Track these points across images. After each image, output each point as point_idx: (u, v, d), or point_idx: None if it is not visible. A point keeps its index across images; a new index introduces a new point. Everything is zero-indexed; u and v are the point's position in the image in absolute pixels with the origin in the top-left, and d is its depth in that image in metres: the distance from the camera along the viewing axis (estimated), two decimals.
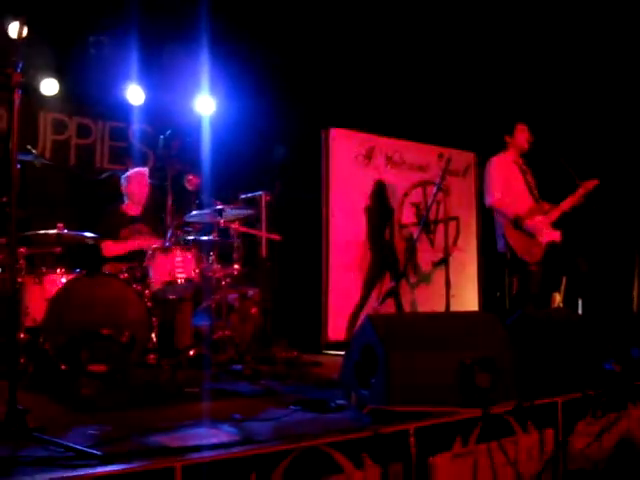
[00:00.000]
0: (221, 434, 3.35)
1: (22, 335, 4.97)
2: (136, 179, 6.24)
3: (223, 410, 3.89)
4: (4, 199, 3.51)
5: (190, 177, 6.45)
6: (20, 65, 3.27)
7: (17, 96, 3.29)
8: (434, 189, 6.69)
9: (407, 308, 7.48)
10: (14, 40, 3.34)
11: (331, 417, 3.75)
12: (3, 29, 3.44)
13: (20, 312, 5.01)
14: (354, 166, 7.47)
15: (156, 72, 6.89)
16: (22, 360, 4.82)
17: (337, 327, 7.10)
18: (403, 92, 7.63)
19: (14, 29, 3.34)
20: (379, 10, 6.92)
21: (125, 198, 6.25)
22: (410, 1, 6.92)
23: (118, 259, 5.85)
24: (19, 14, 3.43)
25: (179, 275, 5.49)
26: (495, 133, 6.18)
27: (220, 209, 5.75)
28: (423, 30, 7.23)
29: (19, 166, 3.36)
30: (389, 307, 7.24)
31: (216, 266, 5.88)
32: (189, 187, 6.35)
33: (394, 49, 7.33)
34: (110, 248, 5.89)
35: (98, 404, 4.08)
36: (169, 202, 6.03)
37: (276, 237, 6.62)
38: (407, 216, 7.78)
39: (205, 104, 7.33)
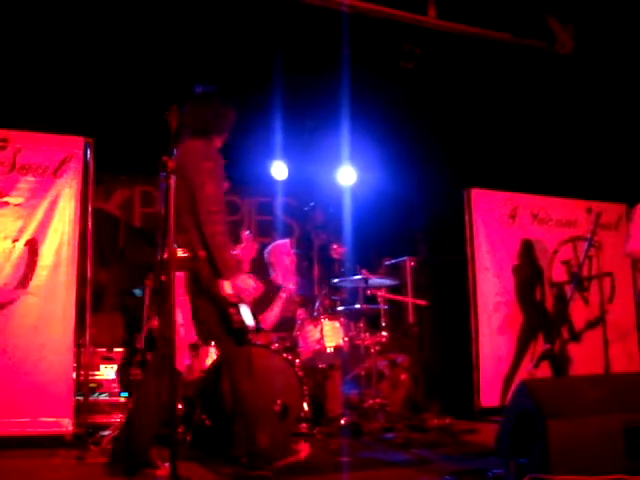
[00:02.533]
0: None
1: (180, 406, 5.16)
2: (279, 250, 6.39)
3: (380, 478, 3.85)
4: (163, 277, 3.73)
5: (335, 246, 6.55)
6: (174, 153, 3.51)
7: (173, 181, 3.53)
8: (585, 245, 6.45)
9: (561, 370, 7.15)
10: (169, 130, 3.58)
11: None
12: (159, 118, 3.70)
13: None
14: (499, 226, 7.33)
15: (298, 147, 7.13)
16: (180, 430, 4.99)
17: (490, 392, 6.87)
18: (543, 148, 7.47)
19: (171, 119, 3.58)
20: (513, 70, 6.88)
21: (271, 270, 6.41)
22: (541, 57, 6.82)
23: (272, 328, 5.98)
24: (172, 104, 3.67)
25: (328, 344, 5.56)
26: None
27: (366, 279, 5.81)
28: (559, 84, 7.09)
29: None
30: (544, 370, 6.96)
31: (364, 334, 5.90)
32: (335, 256, 6.44)
33: (531, 105, 7.23)
34: (267, 320, 6.04)
35: (252, 473, 4.13)
36: (316, 272, 6.15)
37: (423, 302, 6.57)
38: (558, 274, 7.51)
39: (346, 175, 7.49)
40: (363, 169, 7.54)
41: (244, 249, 6.19)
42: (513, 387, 6.54)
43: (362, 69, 6.39)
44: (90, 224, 5.50)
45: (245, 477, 4.07)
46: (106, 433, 5.15)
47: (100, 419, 5.53)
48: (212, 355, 5.38)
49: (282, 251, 6.39)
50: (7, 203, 5.31)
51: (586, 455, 3.42)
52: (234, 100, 4.41)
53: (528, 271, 7.38)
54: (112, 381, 5.77)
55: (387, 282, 6.11)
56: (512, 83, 7.00)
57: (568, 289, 7.17)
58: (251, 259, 6.24)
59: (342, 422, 5.58)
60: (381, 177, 7.48)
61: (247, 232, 6.39)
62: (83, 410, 5.31)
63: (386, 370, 6.18)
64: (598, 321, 6.57)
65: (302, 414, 5.34)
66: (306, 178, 7.57)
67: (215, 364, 5.13)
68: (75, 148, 5.51)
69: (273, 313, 6.04)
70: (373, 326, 6.10)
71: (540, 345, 7.17)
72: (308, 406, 5.43)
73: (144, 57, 6.01)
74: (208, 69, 6.24)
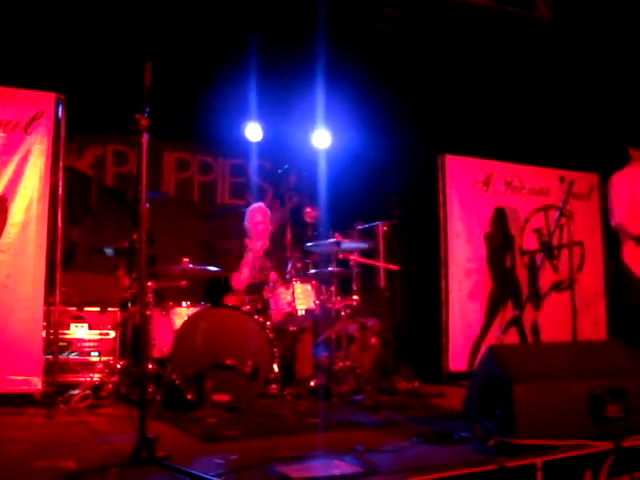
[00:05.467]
0: (344, 465, 3.34)
1: (150, 365, 5.16)
2: (256, 214, 6.37)
3: (345, 441, 3.89)
4: (134, 236, 3.70)
5: (308, 210, 6.55)
6: (147, 110, 3.45)
7: (145, 139, 3.48)
8: (556, 214, 6.49)
9: (529, 336, 7.26)
10: (143, 86, 3.51)
11: (455, 449, 3.68)
12: (133, 76, 3.64)
13: (149, 343, 5.21)
14: (472, 192, 7.36)
15: (273, 109, 7.07)
16: (150, 390, 5.00)
17: (459, 357, 6.96)
18: (519, 116, 7.49)
19: (147, 76, 3.51)
20: (491, 36, 6.85)
21: (247, 233, 6.38)
22: (519, 24, 6.80)
23: (242, 290, 5.99)
24: (146, 60, 3.60)
25: (299, 306, 5.58)
26: (620, 152, 5.93)
27: (338, 242, 5.81)
28: (536, 52, 7.09)
29: (147, 205, 3.52)
30: (512, 336, 7.05)
31: (335, 297, 5.92)
32: (308, 220, 6.44)
33: (507, 73, 7.22)
34: (238, 280, 6.04)
35: (222, 433, 4.17)
36: (288, 235, 6.14)
37: (394, 267, 6.60)
38: (529, 242, 7.57)
39: (321, 138, 7.44)
40: (338, 132, 7.50)
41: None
42: (481, 352, 6.63)
43: (339, 31, 6.33)
44: (61, 182, 5.42)
45: (216, 436, 4.10)
46: (75, 392, 5.15)
47: (70, 378, 5.51)
48: (182, 315, 5.38)
49: (259, 215, 6.36)
50: None
51: (551, 420, 3.48)
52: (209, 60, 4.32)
53: (499, 239, 7.44)
54: (82, 340, 5.74)
55: (358, 245, 6.12)
56: (489, 49, 6.98)
57: (538, 257, 7.24)
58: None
59: (312, 384, 5.62)
60: (356, 141, 7.46)
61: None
62: (53, 369, 5.29)
63: (356, 333, 6.23)
64: (567, 288, 6.65)
65: (272, 375, 5.38)
66: (280, 140, 7.52)
67: (186, 324, 5.14)
68: (46, 104, 5.41)
69: (242, 275, 6.04)
70: (344, 290, 6.12)
71: (509, 312, 7.26)
72: (278, 368, 5.47)
73: (119, 13, 5.89)
74: (183, 28, 6.15)
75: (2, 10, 5.64)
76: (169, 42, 6.06)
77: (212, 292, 6.13)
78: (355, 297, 5.94)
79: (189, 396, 4.91)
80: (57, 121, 5.43)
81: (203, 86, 6.70)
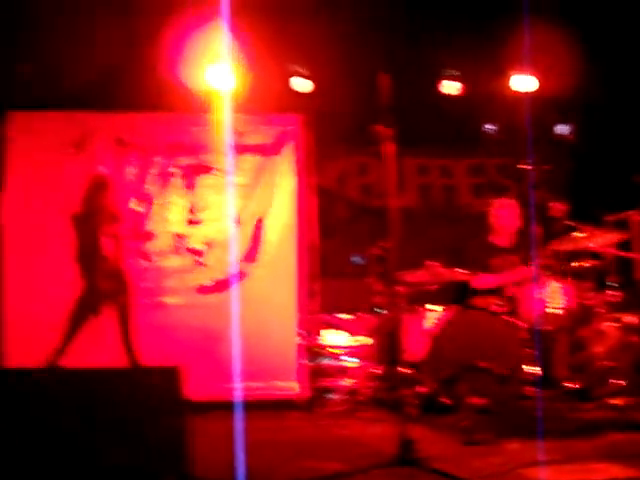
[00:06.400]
0: (608, 469, 3.22)
1: (405, 370, 5.27)
2: (502, 210, 6.24)
3: (606, 444, 3.73)
4: (384, 244, 3.85)
5: (554, 204, 6.32)
6: (387, 121, 3.59)
7: (389, 148, 3.61)
8: None
9: None
10: (383, 99, 3.66)
11: None
12: (370, 89, 3.80)
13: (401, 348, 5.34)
14: None
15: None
16: (407, 393, 5.11)
17: None
18: None
19: (384, 87, 3.66)
20: None
21: (493, 230, 6.27)
22: None
23: (491, 291, 5.91)
24: (383, 72, 3.74)
25: (554, 305, 5.43)
26: None
27: (589, 235, 5.58)
28: None
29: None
30: None
31: (590, 293, 5.68)
32: (554, 214, 6.22)
33: None
34: (481, 281, 5.96)
35: (479, 436, 4.16)
36: (535, 232, 5.98)
37: None
38: None
39: (562, 129, 7.20)
40: (581, 123, 7.21)
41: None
42: None
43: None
44: (313, 198, 5.75)
45: (472, 439, 4.11)
46: (333, 396, 5.40)
47: (326, 383, 5.74)
48: (433, 318, 5.45)
49: (508, 211, 6.23)
50: (234, 184, 5.68)
51: None
52: None
53: None
54: (337, 346, 5.98)
55: (613, 238, 5.82)
56: None
57: None
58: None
59: (568, 386, 5.43)
60: (598, 128, 7.10)
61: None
62: (310, 374, 5.59)
63: (615, 331, 5.90)
64: None
65: (526, 377, 5.26)
66: (519, 136, 7.35)
67: (439, 327, 5.19)
68: (293, 125, 5.76)
69: (490, 278, 5.93)
70: (600, 285, 5.85)
71: None
72: (534, 369, 5.34)
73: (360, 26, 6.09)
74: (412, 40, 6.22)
75: None
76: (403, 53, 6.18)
77: (460, 294, 6.12)
78: (612, 292, 5.66)
79: (444, 399, 4.95)
80: (303, 140, 5.77)
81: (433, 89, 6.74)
